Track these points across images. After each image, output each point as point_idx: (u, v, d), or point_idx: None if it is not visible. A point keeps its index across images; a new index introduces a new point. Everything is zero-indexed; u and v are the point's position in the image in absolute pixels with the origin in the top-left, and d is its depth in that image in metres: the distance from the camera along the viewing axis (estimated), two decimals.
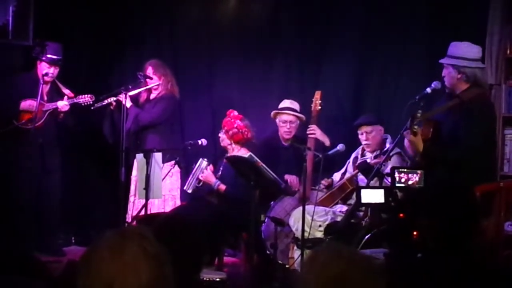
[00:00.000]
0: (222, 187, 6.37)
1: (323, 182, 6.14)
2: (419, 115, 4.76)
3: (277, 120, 6.70)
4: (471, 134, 4.85)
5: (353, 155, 6.27)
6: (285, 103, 6.72)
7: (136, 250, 1.98)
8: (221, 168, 6.51)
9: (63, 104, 6.70)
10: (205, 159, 6.52)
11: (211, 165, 6.59)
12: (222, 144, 6.57)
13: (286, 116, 6.63)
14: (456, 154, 4.90)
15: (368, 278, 1.95)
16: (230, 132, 6.48)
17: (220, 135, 6.56)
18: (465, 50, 5.04)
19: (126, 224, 6.43)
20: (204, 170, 6.43)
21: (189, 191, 6.50)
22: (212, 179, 6.41)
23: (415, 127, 4.79)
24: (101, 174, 7.68)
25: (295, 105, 6.68)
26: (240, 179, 5.99)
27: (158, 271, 1.98)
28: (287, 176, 6.44)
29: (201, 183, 6.48)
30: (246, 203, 5.71)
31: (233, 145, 6.51)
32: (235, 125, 6.48)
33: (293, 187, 6.38)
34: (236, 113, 6.56)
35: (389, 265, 4.12)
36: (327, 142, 6.40)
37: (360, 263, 1.98)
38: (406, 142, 5.17)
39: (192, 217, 5.22)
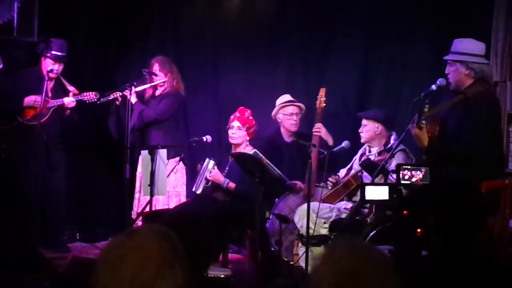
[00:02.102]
0: (232, 185, 6.35)
1: (330, 179, 6.15)
2: (426, 110, 4.76)
3: (279, 116, 6.68)
4: (475, 130, 4.84)
5: (360, 152, 6.27)
6: (286, 97, 6.73)
7: (167, 249, 1.99)
8: (227, 167, 6.50)
9: (69, 101, 6.70)
10: (212, 159, 6.49)
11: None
12: (234, 142, 6.51)
13: (292, 108, 6.64)
14: (461, 150, 4.89)
15: (382, 273, 1.96)
16: (252, 130, 6.53)
17: (234, 131, 6.48)
18: (472, 46, 5.04)
19: (131, 221, 6.45)
20: (211, 170, 6.41)
21: (198, 191, 6.47)
22: (221, 178, 6.39)
23: (423, 122, 4.80)
24: (106, 170, 7.68)
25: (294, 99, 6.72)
26: (237, 165, 6.00)
27: (185, 270, 2.01)
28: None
29: (209, 183, 6.46)
30: (252, 198, 5.73)
31: (246, 142, 6.54)
32: (254, 123, 6.53)
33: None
34: (249, 110, 6.58)
35: (394, 262, 4.12)
36: (330, 141, 6.41)
37: (374, 258, 1.99)
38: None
39: (197, 213, 5.23)
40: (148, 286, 1.96)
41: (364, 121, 6.14)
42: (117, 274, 1.96)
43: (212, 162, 6.43)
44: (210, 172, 6.41)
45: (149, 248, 1.99)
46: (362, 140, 6.17)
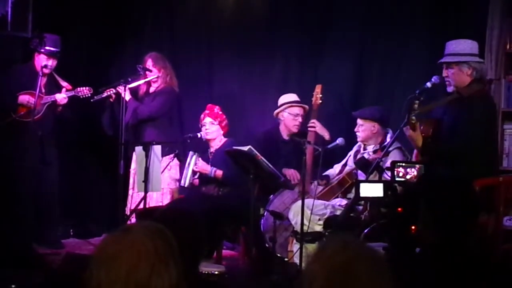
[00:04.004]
0: (219, 172, 6.41)
1: (320, 183, 6.13)
2: (416, 106, 4.75)
3: (284, 114, 6.67)
4: (470, 128, 4.84)
5: (354, 148, 6.27)
6: (293, 96, 6.73)
7: (162, 247, 1.99)
8: (210, 161, 6.55)
9: (61, 97, 6.68)
10: (195, 152, 6.54)
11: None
12: (209, 137, 6.59)
13: (299, 109, 6.66)
14: (456, 147, 4.89)
15: (374, 269, 1.96)
16: (224, 123, 6.62)
17: (207, 127, 6.56)
18: (470, 45, 5.04)
19: (125, 217, 6.44)
20: (197, 161, 6.46)
21: (186, 185, 6.50)
22: (208, 168, 6.45)
23: (413, 118, 4.78)
24: (100, 167, 7.67)
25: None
26: (232, 161, 6.04)
27: (178, 267, 2.00)
28: (285, 170, 6.44)
29: (197, 175, 6.49)
30: (245, 193, 5.74)
31: (221, 136, 6.64)
32: (225, 117, 6.64)
33: (292, 180, 6.38)
34: (217, 106, 6.67)
35: (388, 259, 4.13)
36: (326, 136, 6.41)
37: (366, 254, 1.99)
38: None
39: (189, 210, 5.22)
40: (143, 284, 1.95)
41: (360, 121, 6.12)
42: (112, 271, 1.95)
43: (196, 154, 6.48)
44: (196, 164, 6.44)
45: (144, 246, 1.99)
46: (359, 140, 6.16)
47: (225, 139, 6.64)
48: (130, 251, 1.97)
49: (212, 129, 6.57)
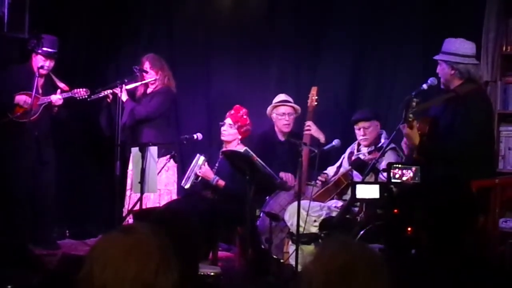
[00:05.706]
0: (221, 182, 6.32)
1: (320, 178, 6.14)
2: (414, 103, 4.77)
3: (273, 115, 6.70)
4: (467, 128, 4.86)
5: (348, 150, 6.28)
6: (280, 96, 6.75)
7: (164, 246, 1.99)
8: (216, 164, 6.48)
9: (56, 98, 6.67)
10: (202, 155, 6.48)
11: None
12: (224, 138, 6.50)
13: (284, 108, 6.65)
14: (452, 147, 4.90)
15: (373, 270, 1.96)
16: (244, 129, 6.48)
17: (225, 128, 6.46)
18: (458, 46, 5.06)
19: (122, 218, 6.44)
20: (202, 166, 6.40)
21: (187, 186, 6.47)
22: (211, 175, 6.36)
23: (410, 115, 4.80)
24: (97, 168, 7.66)
25: (290, 99, 6.71)
26: (237, 174, 5.98)
27: (177, 267, 2.01)
28: (282, 174, 6.42)
29: (199, 179, 6.45)
30: (241, 197, 5.72)
31: (237, 141, 6.50)
32: (248, 122, 6.50)
33: (289, 183, 6.38)
34: (244, 109, 6.54)
35: (384, 260, 4.13)
36: (322, 138, 6.41)
37: (367, 255, 1.99)
38: (403, 142, 5.18)
39: (185, 211, 5.22)
40: (149, 283, 1.94)
41: (364, 124, 6.07)
42: (120, 271, 1.94)
43: (202, 158, 6.43)
44: (200, 168, 6.40)
45: (150, 246, 1.98)
46: (366, 143, 6.09)
47: (241, 145, 6.47)
48: (138, 251, 1.96)
49: (228, 131, 6.46)
